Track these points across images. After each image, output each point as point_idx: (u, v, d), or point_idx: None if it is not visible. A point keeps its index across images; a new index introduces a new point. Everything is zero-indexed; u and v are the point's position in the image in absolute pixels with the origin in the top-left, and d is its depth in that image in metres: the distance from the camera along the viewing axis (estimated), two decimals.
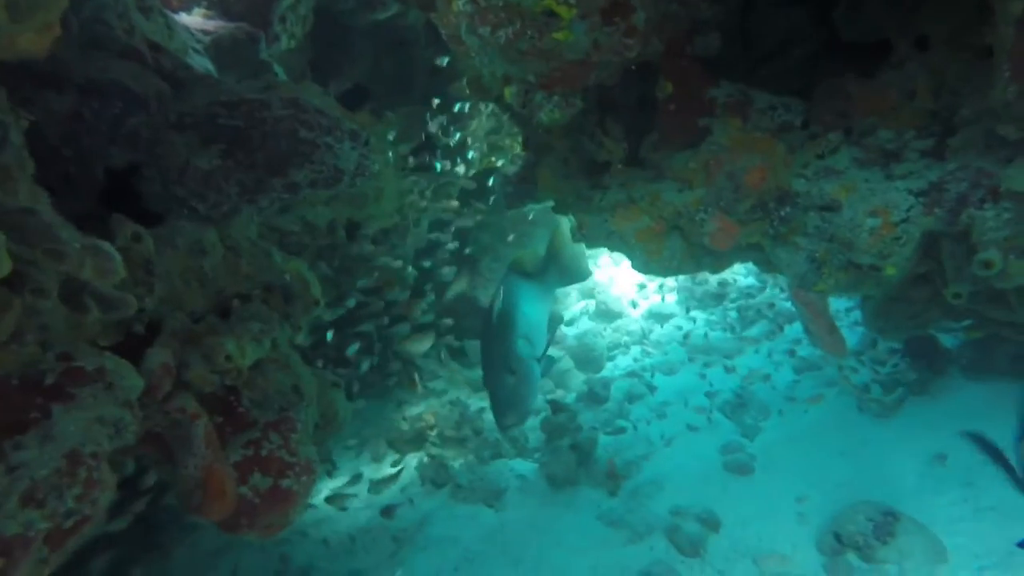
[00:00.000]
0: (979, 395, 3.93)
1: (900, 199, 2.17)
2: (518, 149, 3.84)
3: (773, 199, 2.40)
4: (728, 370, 4.78)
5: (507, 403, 2.90)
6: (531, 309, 3.29)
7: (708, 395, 4.53)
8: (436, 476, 4.25)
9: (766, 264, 2.83)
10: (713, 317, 5.44)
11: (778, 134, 2.44)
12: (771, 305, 5.35)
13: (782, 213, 2.41)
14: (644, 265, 2.65)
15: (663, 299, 5.80)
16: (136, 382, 1.37)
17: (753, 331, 5.17)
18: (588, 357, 5.07)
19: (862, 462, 3.65)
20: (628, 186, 2.66)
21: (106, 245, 1.27)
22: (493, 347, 3.11)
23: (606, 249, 2.95)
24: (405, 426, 4.57)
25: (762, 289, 5.68)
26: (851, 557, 2.98)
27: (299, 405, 1.98)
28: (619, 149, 2.78)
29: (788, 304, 5.36)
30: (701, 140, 2.48)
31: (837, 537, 3.03)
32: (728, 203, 2.40)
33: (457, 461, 4.43)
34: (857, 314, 4.71)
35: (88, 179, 1.61)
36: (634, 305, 5.76)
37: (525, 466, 4.28)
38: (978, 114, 2.22)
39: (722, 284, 5.72)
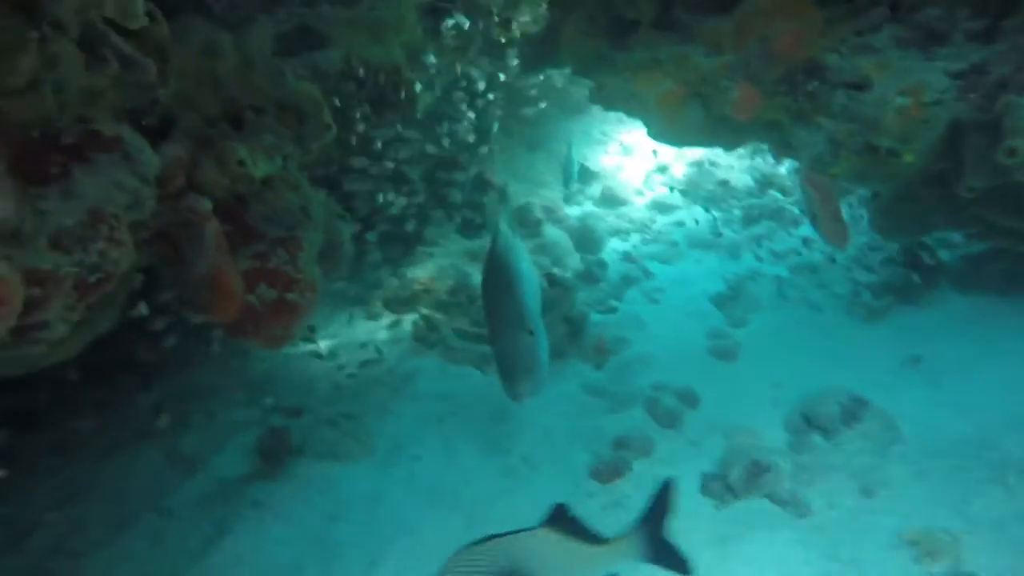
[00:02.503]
0: (964, 309, 4.02)
1: (936, 80, 2.10)
2: (542, 9, 3.66)
3: (802, 71, 2.33)
4: (724, 263, 4.84)
5: (524, 367, 2.41)
6: (527, 265, 2.88)
7: (701, 284, 4.61)
8: (428, 336, 4.36)
9: (782, 145, 2.79)
10: (717, 213, 5.43)
11: (820, 3, 2.33)
12: (777, 210, 5.35)
13: (809, 88, 2.35)
14: (660, 132, 2.60)
15: (670, 190, 5.77)
16: (152, 159, 1.37)
17: (754, 230, 5.18)
18: (588, 239, 5.10)
19: (841, 357, 3.77)
20: (654, 47, 2.56)
21: None
22: (502, 304, 2.63)
23: (621, 122, 2.86)
24: (401, 288, 4.65)
25: (763, 192, 5.66)
26: (816, 437, 3.14)
27: (307, 226, 2.00)
28: (649, 8, 2.65)
29: (792, 208, 5.36)
30: (738, 1, 2.36)
31: (806, 418, 3.19)
32: (756, 70, 2.32)
33: (450, 325, 4.54)
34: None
35: None
36: (639, 194, 5.73)
37: None
38: None
39: (725, 183, 5.68)
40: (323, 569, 2.81)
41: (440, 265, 4.71)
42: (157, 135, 1.61)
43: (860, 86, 2.26)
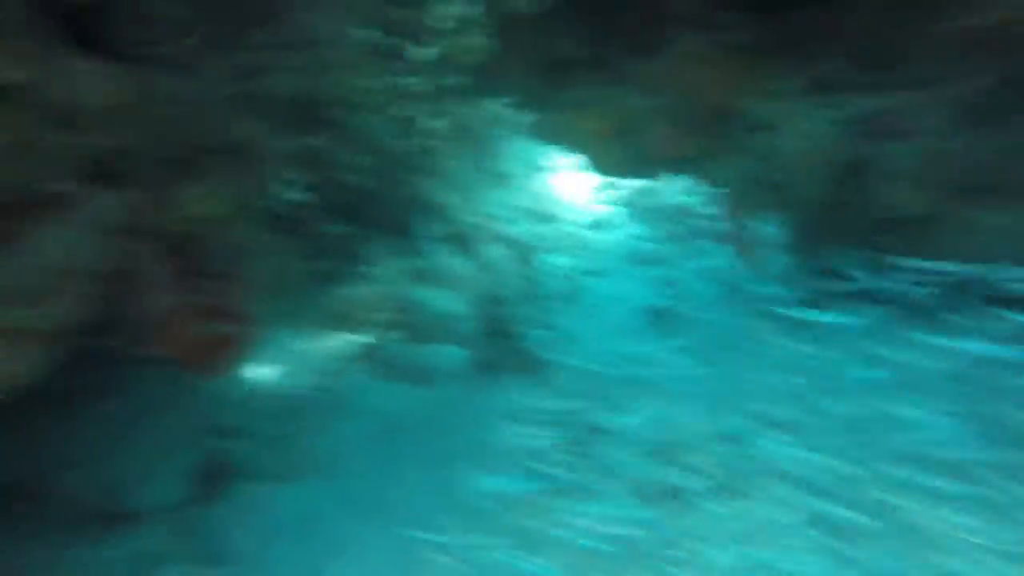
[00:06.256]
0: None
1: (827, 124, 2.34)
2: (483, 40, 3.77)
3: (720, 115, 2.54)
4: (656, 279, 5.07)
5: None
6: None
7: (633, 300, 4.82)
8: (370, 354, 4.40)
9: (703, 178, 3.01)
10: (650, 230, 5.68)
11: (735, 53, 2.54)
12: (708, 221, 5.63)
13: (725, 129, 2.56)
14: (594, 165, 2.77)
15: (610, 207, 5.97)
16: (108, 208, 1.42)
17: (685, 247, 5.45)
18: (525, 257, 5.25)
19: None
20: (588, 87, 2.73)
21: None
22: None
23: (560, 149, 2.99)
24: (343, 307, 4.67)
25: (700, 209, 5.95)
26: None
27: (250, 261, 2.06)
28: (585, 50, 2.82)
29: (722, 224, 5.66)
30: (664, 49, 2.55)
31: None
32: (678, 113, 2.52)
33: (391, 343, 4.59)
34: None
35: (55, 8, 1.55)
36: (577, 212, 5.93)
37: (455, 352, 4.50)
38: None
39: (663, 199, 5.94)
40: None
41: (379, 285, 4.75)
42: (110, 184, 1.65)
43: (769, 128, 2.49)
